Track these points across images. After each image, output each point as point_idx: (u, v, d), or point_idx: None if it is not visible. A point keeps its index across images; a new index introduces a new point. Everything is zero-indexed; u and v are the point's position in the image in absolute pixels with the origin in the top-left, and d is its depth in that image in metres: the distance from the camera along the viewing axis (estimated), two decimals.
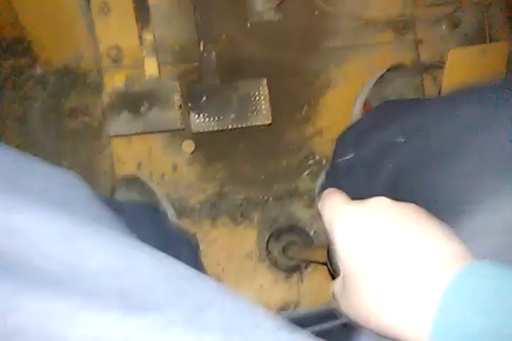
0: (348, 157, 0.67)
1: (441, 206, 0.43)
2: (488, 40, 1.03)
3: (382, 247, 0.34)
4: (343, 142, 0.76)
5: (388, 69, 0.96)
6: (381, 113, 0.76)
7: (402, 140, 0.55)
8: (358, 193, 0.61)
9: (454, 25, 1.03)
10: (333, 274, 0.43)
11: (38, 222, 0.31)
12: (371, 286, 0.34)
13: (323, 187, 0.92)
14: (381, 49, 1.03)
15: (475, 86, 0.52)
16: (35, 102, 0.99)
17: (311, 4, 1.01)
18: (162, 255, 0.33)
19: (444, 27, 1.04)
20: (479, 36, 1.03)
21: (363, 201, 0.38)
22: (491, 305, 0.29)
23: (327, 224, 0.39)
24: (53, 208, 0.33)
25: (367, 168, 0.60)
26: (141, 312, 0.28)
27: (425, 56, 1.03)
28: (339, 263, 0.38)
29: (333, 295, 0.41)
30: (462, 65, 0.99)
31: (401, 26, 1.04)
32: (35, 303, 0.26)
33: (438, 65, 1.02)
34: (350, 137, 0.73)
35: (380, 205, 0.37)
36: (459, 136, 0.46)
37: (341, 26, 1.03)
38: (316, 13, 1.02)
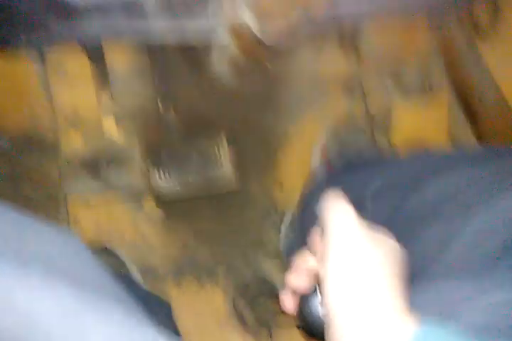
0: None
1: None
2: (428, 89, 1.10)
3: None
4: (310, 199, 0.77)
5: (338, 125, 1.01)
6: (347, 168, 0.78)
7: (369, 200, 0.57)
8: None
9: (398, 79, 1.11)
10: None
11: (40, 300, 0.30)
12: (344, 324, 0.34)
13: (291, 244, 0.93)
14: (332, 104, 1.08)
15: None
16: None
17: (265, 67, 1.06)
18: (164, 333, 0.33)
19: (389, 81, 1.11)
20: (422, 88, 1.11)
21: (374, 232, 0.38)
22: None
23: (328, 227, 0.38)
24: (57, 279, 0.32)
25: None
26: None
27: (374, 109, 1.09)
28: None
29: None
30: (408, 118, 1.05)
31: (349, 82, 1.10)
32: None
33: (386, 117, 1.08)
34: (319, 194, 0.75)
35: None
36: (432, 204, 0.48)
37: (293, 84, 1.08)
38: (270, 76, 1.07)
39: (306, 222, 0.74)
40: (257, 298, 0.93)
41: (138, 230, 0.97)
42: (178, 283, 0.95)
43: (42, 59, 0.99)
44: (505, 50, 0.86)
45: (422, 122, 1.04)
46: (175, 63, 1.02)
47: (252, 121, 1.05)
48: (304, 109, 1.07)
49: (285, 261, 0.96)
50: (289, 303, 0.42)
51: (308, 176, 0.99)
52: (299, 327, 0.44)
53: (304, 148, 1.03)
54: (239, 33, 0.73)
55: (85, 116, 0.99)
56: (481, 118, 0.96)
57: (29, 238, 0.37)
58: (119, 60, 1.00)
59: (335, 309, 0.34)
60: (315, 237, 0.42)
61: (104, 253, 0.90)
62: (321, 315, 0.39)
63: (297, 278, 0.41)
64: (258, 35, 0.69)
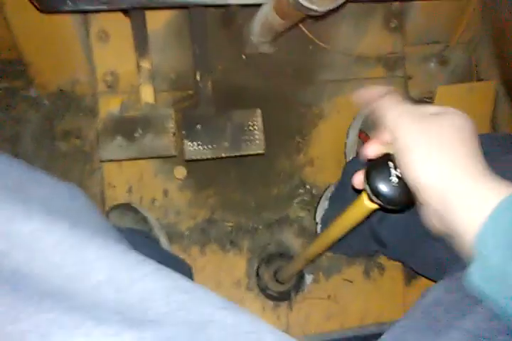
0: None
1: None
2: (475, 79, 1.07)
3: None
4: (353, 168, 0.77)
5: None
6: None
7: None
8: (370, 221, 0.62)
9: (443, 63, 1.07)
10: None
11: (41, 232, 0.31)
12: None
13: (328, 215, 0.93)
14: (372, 83, 1.06)
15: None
16: (28, 124, 0.99)
17: (305, 39, 1.04)
18: (166, 269, 0.33)
19: (432, 64, 1.08)
20: (467, 74, 1.07)
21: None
22: None
23: (391, 115, 0.42)
24: (57, 218, 0.33)
25: None
26: (141, 326, 0.28)
27: (414, 92, 1.07)
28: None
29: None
30: (450, 102, 1.02)
31: (391, 63, 1.08)
32: (37, 314, 0.26)
33: (427, 101, 1.05)
34: (362, 164, 0.74)
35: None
36: None
37: (334, 61, 1.06)
38: (310, 47, 1.06)
39: (348, 189, 0.74)
40: (279, 270, 0.94)
41: (168, 196, 0.98)
42: (202, 250, 0.97)
43: (85, 22, 1.00)
44: None
45: (465, 107, 1.00)
46: (215, 32, 1.01)
47: (289, 96, 1.04)
48: (342, 87, 1.05)
49: (319, 231, 0.96)
50: (358, 178, 0.46)
51: (340, 154, 0.98)
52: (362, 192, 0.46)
53: (339, 126, 1.02)
54: (284, 1, 0.72)
55: (124, 82, 1.00)
56: None
57: (33, 187, 0.38)
58: (160, 27, 1.00)
59: (423, 178, 0.39)
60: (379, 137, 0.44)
61: (129, 209, 0.92)
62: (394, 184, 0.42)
63: (373, 147, 0.45)
64: (304, 6, 0.67)
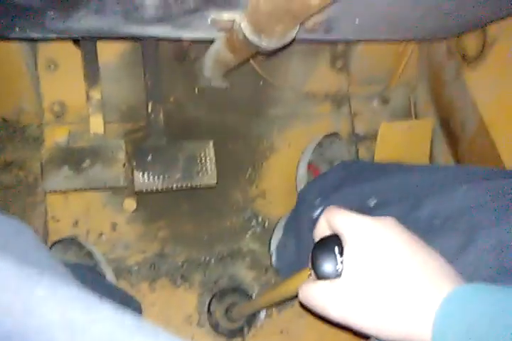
0: (315, 213, 0.68)
1: None
2: (414, 116, 1.14)
3: (391, 259, 0.39)
4: (308, 196, 0.78)
5: (326, 136, 1.02)
6: (347, 170, 0.79)
7: (373, 202, 0.58)
8: None
9: (384, 101, 1.14)
10: (319, 276, 0.43)
11: None
12: (378, 291, 0.38)
13: (283, 243, 0.93)
14: (320, 118, 1.10)
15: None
16: None
17: (256, 75, 1.08)
18: (125, 310, 0.31)
19: (375, 103, 1.14)
20: (407, 112, 1.14)
21: (377, 218, 0.42)
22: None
23: (338, 227, 0.42)
24: (6, 253, 0.31)
25: None
26: None
27: (359, 128, 1.12)
28: (343, 266, 0.41)
29: (312, 297, 0.42)
30: (392, 138, 1.08)
31: (338, 100, 1.13)
32: None
33: (371, 137, 1.10)
34: (316, 192, 0.76)
35: (392, 225, 0.41)
36: (449, 213, 0.50)
37: (283, 96, 1.10)
38: (261, 83, 1.09)
39: (302, 217, 0.74)
40: (232, 306, 0.92)
41: (116, 230, 0.95)
42: (152, 285, 0.94)
43: (34, 51, 0.98)
44: (491, 80, 0.90)
45: (405, 143, 1.06)
46: (168, 64, 1.02)
47: (240, 129, 1.05)
48: (292, 121, 1.08)
49: (281, 273, 0.95)
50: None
51: (291, 186, 1.00)
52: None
53: (290, 158, 1.05)
54: (234, 38, 0.74)
55: (72, 112, 0.98)
56: (462, 145, 0.99)
57: None
58: (112, 58, 1.00)
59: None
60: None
61: (73, 244, 0.88)
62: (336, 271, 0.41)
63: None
64: (253, 43, 0.70)
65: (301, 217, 0.78)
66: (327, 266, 0.42)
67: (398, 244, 0.40)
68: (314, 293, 0.42)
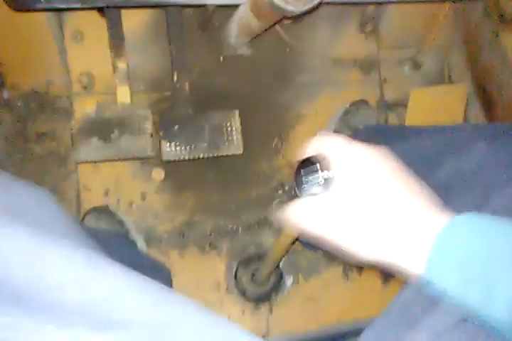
0: None
1: None
2: (448, 82, 1.09)
3: (378, 181, 0.39)
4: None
5: (352, 103, 1.00)
6: (366, 136, 0.78)
7: None
8: None
9: (416, 66, 1.10)
10: (298, 194, 0.44)
11: (2, 235, 0.30)
12: (365, 207, 0.39)
13: None
14: (348, 86, 1.07)
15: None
16: (0, 126, 0.96)
17: (283, 42, 1.05)
18: (133, 272, 0.33)
19: (406, 68, 1.10)
20: (440, 77, 1.10)
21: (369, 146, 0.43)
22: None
23: (328, 149, 0.42)
24: (21, 223, 0.32)
25: None
26: (105, 328, 0.27)
27: (389, 95, 1.08)
28: (326, 181, 0.41)
29: (294, 214, 0.43)
30: (424, 105, 1.04)
31: (366, 66, 1.09)
32: None
33: (401, 104, 1.07)
34: None
35: (383, 154, 0.42)
36: (467, 171, 0.50)
37: (310, 63, 1.07)
38: (287, 50, 1.06)
39: None
40: (258, 272, 0.93)
41: (145, 199, 0.97)
42: (181, 253, 0.96)
43: (60, 22, 0.98)
44: None
45: (438, 110, 1.03)
46: (193, 33, 1.01)
47: (266, 97, 1.04)
48: (319, 89, 1.06)
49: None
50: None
51: None
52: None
53: (317, 127, 1.03)
54: (259, 2, 0.72)
55: (100, 83, 0.99)
56: (498, 109, 0.95)
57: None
58: (137, 28, 0.99)
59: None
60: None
61: (106, 212, 0.90)
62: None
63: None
64: (279, 6, 0.67)
65: None
66: (310, 183, 0.42)
67: (386, 170, 0.40)
68: (299, 207, 0.42)
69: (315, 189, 0.42)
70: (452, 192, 0.50)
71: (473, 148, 0.51)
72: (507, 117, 0.92)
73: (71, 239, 0.43)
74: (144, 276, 0.33)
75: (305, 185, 0.43)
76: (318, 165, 0.42)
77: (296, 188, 0.44)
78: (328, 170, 0.42)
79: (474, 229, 0.35)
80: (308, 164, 0.43)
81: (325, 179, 0.42)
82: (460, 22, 1.05)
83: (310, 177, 0.43)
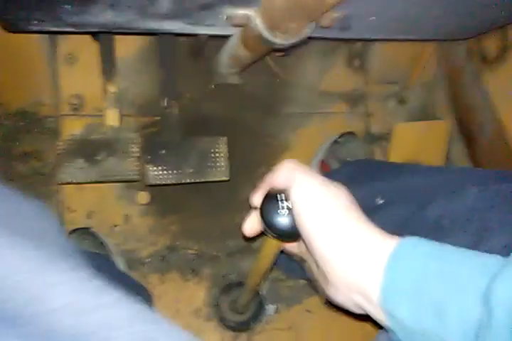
0: None
1: None
2: (431, 118, 1.13)
3: (341, 216, 0.41)
4: None
5: (341, 135, 1.02)
6: (356, 169, 0.79)
7: (381, 201, 0.58)
8: None
9: (402, 102, 1.13)
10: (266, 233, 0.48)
11: (3, 254, 0.29)
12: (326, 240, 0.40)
13: None
14: (335, 118, 1.10)
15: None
16: None
17: (272, 73, 1.08)
18: (130, 298, 0.32)
19: (392, 103, 1.13)
20: (424, 113, 1.13)
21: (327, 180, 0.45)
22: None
23: (289, 181, 0.44)
24: (20, 238, 0.31)
25: None
26: None
27: (375, 128, 1.11)
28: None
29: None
30: (407, 139, 1.07)
31: (353, 99, 1.12)
32: None
33: (386, 138, 1.09)
34: None
35: (340, 190, 0.43)
36: (459, 213, 0.50)
37: (298, 95, 1.09)
38: (277, 81, 1.09)
39: None
40: (238, 301, 0.92)
41: (129, 222, 0.96)
42: (162, 277, 0.95)
43: (53, 44, 0.99)
44: (509, 81, 0.88)
45: (421, 145, 1.05)
46: (185, 60, 1.03)
47: (255, 126, 1.06)
48: (306, 120, 1.08)
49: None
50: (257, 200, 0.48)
51: None
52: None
53: (304, 157, 1.04)
54: (249, 34, 0.74)
55: (89, 105, 0.99)
56: (479, 147, 0.97)
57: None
58: (129, 53, 1.01)
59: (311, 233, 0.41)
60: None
61: (88, 234, 0.89)
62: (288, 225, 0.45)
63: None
64: (268, 39, 0.70)
65: None
66: (274, 214, 0.45)
67: (336, 207, 0.41)
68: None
69: (280, 218, 0.45)
70: (441, 234, 0.51)
71: (466, 192, 0.52)
72: (488, 155, 0.94)
73: (69, 257, 0.42)
74: (141, 305, 0.32)
75: (271, 213, 0.46)
76: (280, 195, 0.46)
77: (261, 217, 0.47)
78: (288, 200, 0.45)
79: (422, 252, 0.36)
80: (273, 194, 0.47)
81: (288, 209, 0.45)
82: (444, 61, 1.10)
83: (274, 206, 0.46)
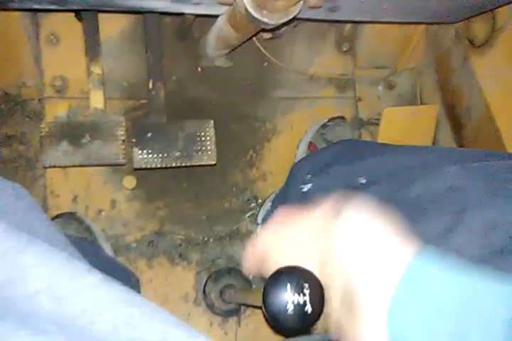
0: (305, 187, 0.68)
1: None
2: (419, 102, 1.13)
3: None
4: (300, 170, 0.77)
5: (331, 119, 1.02)
6: (342, 149, 0.79)
7: (364, 181, 0.57)
8: None
9: (390, 86, 1.13)
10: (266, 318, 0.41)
11: None
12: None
13: (270, 214, 0.93)
14: (323, 102, 1.09)
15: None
16: None
17: (261, 56, 1.06)
18: (113, 281, 0.31)
19: (380, 88, 1.13)
20: (412, 98, 1.13)
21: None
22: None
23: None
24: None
25: None
26: None
27: (363, 113, 1.11)
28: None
29: None
30: (395, 124, 1.07)
31: (342, 84, 1.12)
32: None
33: (374, 122, 1.09)
34: (309, 166, 0.75)
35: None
36: (439, 192, 0.49)
37: (287, 79, 1.08)
38: (265, 64, 1.07)
39: (290, 188, 0.73)
40: (227, 288, 0.92)
41: (115, 207, 0.95)
42: (149, 262, 0.94)
43: (36, 24, 0.96)
44: (498, 66, 0.89)
45: (409, 129, 1.05)
46: (171, 42, 1.01)
47: (243, 110, 1.04)
48: (295, 104, 1.07)
49: (258, 231, 0.96)
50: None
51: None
52: (264, 315, 0.43)
53: (292, 142, 1.04)
54: (236, 13, 0.73)
55: (74, 87, 0.97)
56: (467, 131, 0.98)
57: None
58: (114, 33, 0.99)
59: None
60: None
61: (73, 218, 0.87)
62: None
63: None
64: (255, 18, 0.68)
65: (290, 190, 0.78)
66: (280, 311, 0.38)
67: None
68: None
69: (288, 316, 0.38)
70: (420, 213, 0.50)
71: (445, 169, 0.52)
72: (475, 139, 0.95)
73: (50, 238, 0.41)
74: (124, 287, 0.31)
75: (277, 309, 0.38)
76: (291, 284, 0.38)
77: (264, 307, 0.40)
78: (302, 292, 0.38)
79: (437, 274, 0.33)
80: (281, 281, 0.39)
81: (299, 304, 0.38)
82: (432, 45, 1.09)
83: (281, 300, 0.38)
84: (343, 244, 0.37)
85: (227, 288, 0.91)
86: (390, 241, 0.35)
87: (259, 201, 1.01)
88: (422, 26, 1.08)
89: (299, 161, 0.87)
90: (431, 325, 0.31)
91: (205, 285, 0.94)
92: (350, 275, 0.35)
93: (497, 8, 0.86)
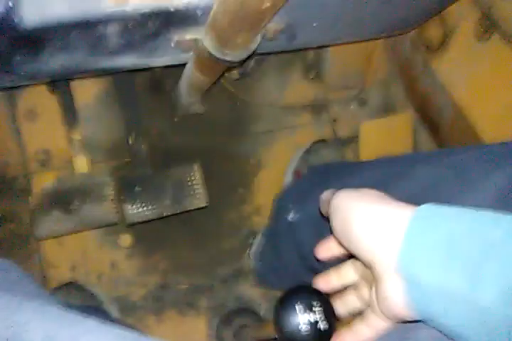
0: (289, 216, 0.69)
1: None
2: (393, 113, 1.14)
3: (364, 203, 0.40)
4: (282, 202, 0.78)
5: (313, 143, 1.03)
6: (318, 175, 0.79)
7: None
8: (301, 251, 0.61)
9: (362, 103, 1.15)
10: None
11: None
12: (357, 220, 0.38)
13: (261, 246, 0.92)
14: (302, 130, 1.10)
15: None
16: None
17: (232, 96, 1.09)
18: (109, 324, 0.31)
19: (353, 106, 1.15)
20: (385, 110, 1.15)
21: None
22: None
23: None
24: None
25: (313, 227, 0.61)
26: None
27: (342, 132, 1.12)
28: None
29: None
30: (374, 137, 1.08)
31: (316, 109, 1.14)
32: None
33: (354, 140, 1.10)
34: (291, 197, 0.76)
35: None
36: (413, 196, 0.50)
37: (263, 113, 1.10)
38: (238, 103, 1.10)
39: (278, 223, 0.73)
40: (241, 328, 0.89)
41: (115, 267, 0.93)
42: (158, 317, 0.91)
43: (11, 102, 0.99)
44: (457, 65, 0.91)
45: (388, 140, 1.06)
46: (145, 97, 1.04)
47: (225, 150, 1.06)
48: (274, 136, 1.09)
49: (258, 275, 0.94)
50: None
51: None
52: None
53: (278, 173, 1.04)
54: (200, 57, 0.75)
55: (57, 157, 0.98)
56: (443, 131, 0.98)
57: None
58: (88, 98, 1.02)
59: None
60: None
61: (75, 288, 0.86)
62: None
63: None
64: (219, 58, 0.71)
65: (277, 222, 0.78)
66: (294, 332, 0.39)
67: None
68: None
69: (302, 335, 0.39)
70: None
71: (417, 170, 0.52)
72: (452, 138, 0.95)
73: (44, 298, 0.41)
74: (120, 329, 0.31)
75: (290, 329, 0.40)
76: (300, 305, 0.40)
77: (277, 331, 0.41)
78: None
79: (446, 213, 0.34)
80: (290, 303, 0.40)
81: (310, 323, 0.39)
82: (393, 56, 1.12)
83: (294, 322, 0.40)
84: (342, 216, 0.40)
85: (240, 329, 0.88)
86: (388, 203, 0.39)
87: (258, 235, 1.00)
88: (380, 41, 1.11)
89: (280, 193, 0.88)
90: (444, 260, 0.32)
91: (217, 330, 0.91)
92: (359, 243, 0.38)
93: (445, 8, 0.89)
